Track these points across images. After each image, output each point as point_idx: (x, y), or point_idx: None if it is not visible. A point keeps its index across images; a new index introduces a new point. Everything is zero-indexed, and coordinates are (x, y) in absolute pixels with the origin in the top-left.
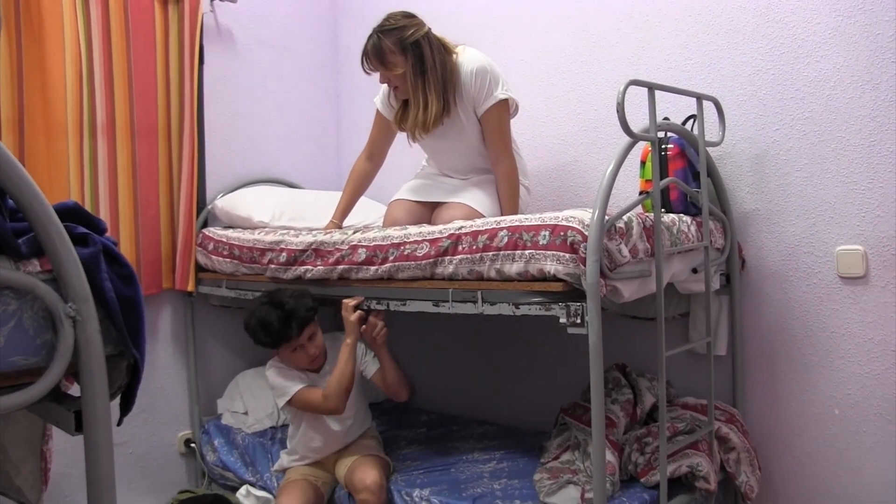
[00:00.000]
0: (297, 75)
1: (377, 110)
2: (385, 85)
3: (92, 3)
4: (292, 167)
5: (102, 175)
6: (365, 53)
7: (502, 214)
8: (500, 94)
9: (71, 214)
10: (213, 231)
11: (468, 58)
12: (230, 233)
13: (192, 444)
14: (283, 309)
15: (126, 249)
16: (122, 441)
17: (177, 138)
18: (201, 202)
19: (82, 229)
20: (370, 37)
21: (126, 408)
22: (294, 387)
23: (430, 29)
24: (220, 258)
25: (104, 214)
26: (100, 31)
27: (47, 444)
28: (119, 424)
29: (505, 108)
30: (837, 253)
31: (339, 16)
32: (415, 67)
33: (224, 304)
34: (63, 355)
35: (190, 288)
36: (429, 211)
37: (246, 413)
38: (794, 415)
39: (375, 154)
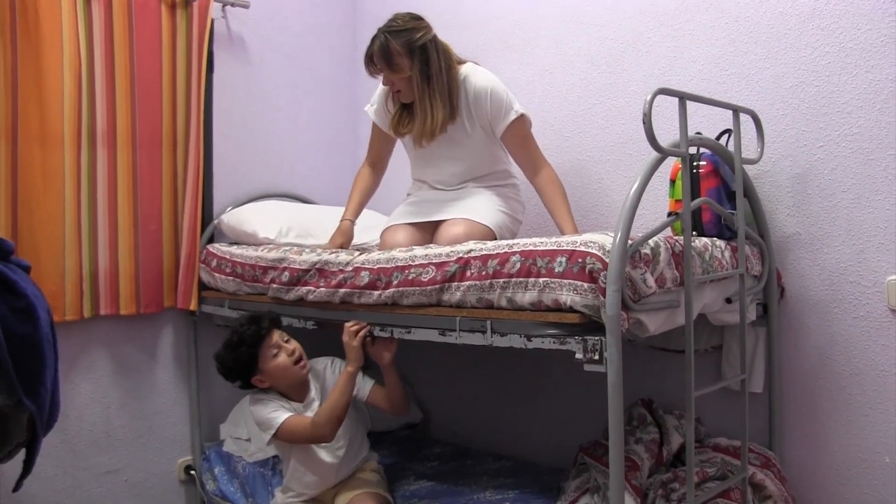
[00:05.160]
0: (312, 85)
1: (373, 121)
2: (379, 91)
3: (94, 5)
4: (305, 181)
5: (101, 187)
6: (370, 54)
7: (565, 226)
8: (517, 109)
9: None
10: (217, 247)
11: (481, 78)
12: (234, 249)
13: (193, 472)
14: (246, 322)
15: (125, 265)
16: (117, 468)
17: (182, 149)
18: (207, 217)
19: None
20: (376, 37)
21: (27, 469)
22: (280, 417)
23: (435, 34)
24: (223, 276)
25: (102, 228)
26: (102, 36)
27: None
28: (15, 490)
29: (524, 122)
30: (888, 283)
31: (359, 25)
32: (422, 72)
33: (228, 325)
34: None
35: (192, 307)
36: (429, 232)
37: (249, 440)
38: (838, 461)
39: (377, 163)
